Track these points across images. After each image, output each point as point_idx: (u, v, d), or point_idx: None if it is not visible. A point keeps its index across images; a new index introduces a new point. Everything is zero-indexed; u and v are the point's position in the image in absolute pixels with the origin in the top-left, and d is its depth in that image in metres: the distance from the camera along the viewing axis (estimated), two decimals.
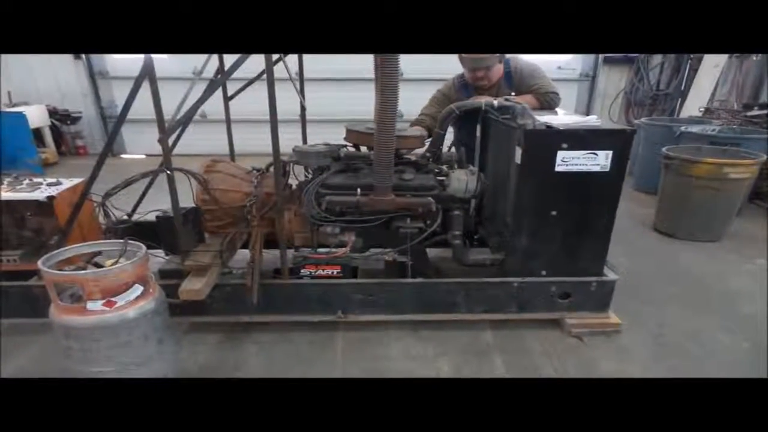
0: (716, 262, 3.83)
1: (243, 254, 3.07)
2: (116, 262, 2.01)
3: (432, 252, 3.15)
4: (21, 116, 6.45)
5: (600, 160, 2.42)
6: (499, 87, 3.32)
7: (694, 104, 6.78)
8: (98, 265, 2.20)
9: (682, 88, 7.21)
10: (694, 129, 4.84)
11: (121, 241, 2.08)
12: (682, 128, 4.82)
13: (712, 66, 6.64)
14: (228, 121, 3.40)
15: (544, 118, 2.57)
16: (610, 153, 2.41)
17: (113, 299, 1.85)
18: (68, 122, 7.58)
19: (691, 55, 7.09)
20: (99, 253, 2.30)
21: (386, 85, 2.30)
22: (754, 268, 3.70)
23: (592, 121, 2.55)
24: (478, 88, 3.31)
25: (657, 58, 7.44)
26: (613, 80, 7.81)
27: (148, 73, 2.15)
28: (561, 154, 2.41)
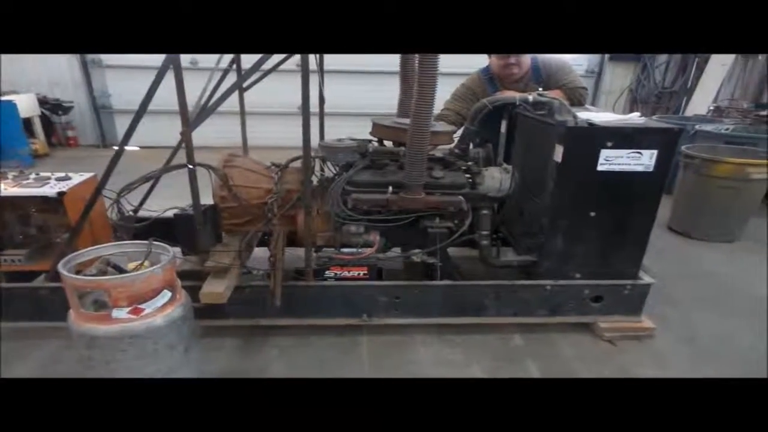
0: (735, 263, 3.78)
1: (257, 252, 2.94)
2: (141, 265, 1.87)
3: (451, 251, 3.03)
4: (11, 105, 6.19)
5: (644, 160, 2.33)
6: (526, 82, 3.21)
7: (699, 102, 6.75)
8: (117, 268, 2.05)
9: (688, 86, 7.17)
10: (708, 128, 4.78)
11: (145, 242, 1.92)
12: (697, 127, 4.76)
13: (720, 65, 6.61)
14: (242, 114, 3.24)
15: (584, 115, 2.46)
16: (655, 152, 2.31)
17: (140, 306, 1.71)
18: (59, 112, 7.30)
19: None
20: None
21: (424, 80, 2.19)
22: None
23: (634, 118, 2.45)
24: (505, 81, 3.20)
25: (663, 56, 7.39)
26: (619, 77, 7.76)
27: (173, 61, 1.99)
28: (604, 153, 2.31)
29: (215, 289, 2.31)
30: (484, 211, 2.74)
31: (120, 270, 1.95)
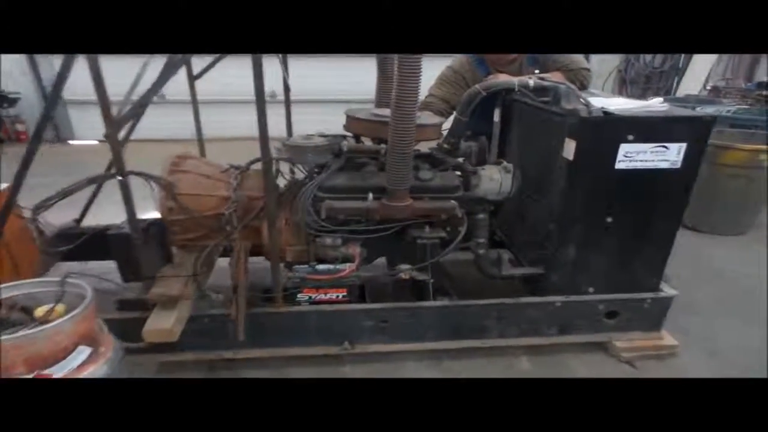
0: (748, 260, 3.48)
1: (220, 262, 2.52)
2: (51, 311, 1.45)
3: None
4: None
5: (670, 155, 1.97)
6: (521, 63, 2.82)
7: (690, 82, 6.46)
8: (26, 310, 1.61)
9: (680, 65, 6.87)
10: (710, 110, 4.46)
11: (58, 279, 1.50)
12: (698, 109, 4.43)
13: None
14: (195, 105, 2.79)
15: (597, 103, 2.08)
16: (683, 146, 1.95)
17: (46, 372, 1.29)
18: (5, 105, 6.64)
19: None
20: None
21: (406, 64, 1.79)
22: None
23: (656, 105, 2.08)
24: (497, 63, 2.81)
25: None
26: (607, 57, 7.39)
27: None
28: (624, 148, 1.95)
29: (162, 326, 1.90)
30: (480, 216, 2.36)
31: (30, 316, 1.53)
